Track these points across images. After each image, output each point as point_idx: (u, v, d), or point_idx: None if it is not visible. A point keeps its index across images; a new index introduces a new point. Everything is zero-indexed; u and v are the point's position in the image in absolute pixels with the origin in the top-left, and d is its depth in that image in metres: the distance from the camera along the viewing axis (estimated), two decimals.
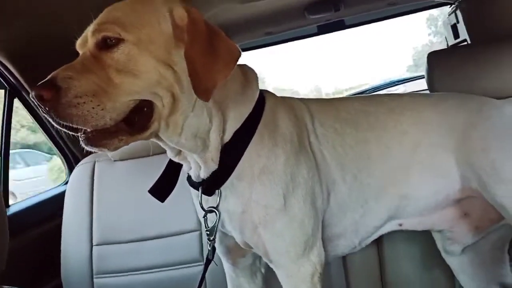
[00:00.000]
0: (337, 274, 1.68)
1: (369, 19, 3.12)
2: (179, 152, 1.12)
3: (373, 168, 1.21)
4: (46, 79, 0.89)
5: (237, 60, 1.00)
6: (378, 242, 1.61)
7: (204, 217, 1.15)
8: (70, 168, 2.17)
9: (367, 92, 3.79)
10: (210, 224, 1.15)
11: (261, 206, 1.08)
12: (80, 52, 1.00)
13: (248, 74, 1.15)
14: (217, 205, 1.12)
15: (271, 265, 1.18)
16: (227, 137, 1.08)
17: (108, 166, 1.83)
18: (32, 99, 0.88)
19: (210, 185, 1.11)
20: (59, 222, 1.81)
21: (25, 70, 1.83)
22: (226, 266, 1.37)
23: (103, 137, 0.93)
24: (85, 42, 0.98)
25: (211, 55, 0.95)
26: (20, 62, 1.81)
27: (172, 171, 1.21)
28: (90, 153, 1.96)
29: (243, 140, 1.09)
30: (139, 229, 1.72)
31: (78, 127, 0.91)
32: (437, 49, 1.64)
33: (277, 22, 2.73)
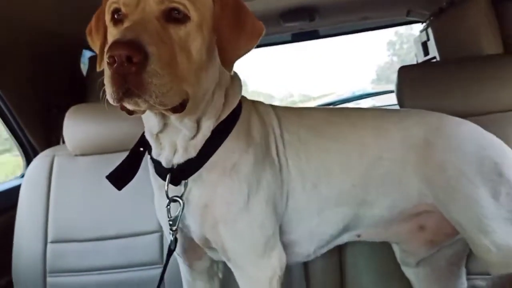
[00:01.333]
0: (297, 281, 1.68)
1: (342, 31, 3.18)
2: (159, 131, 1.08)
3: (332, 178, 1.23)
4: (128, 39, 0.80)
5: (260, 36, 1.02)
6: (340, 250, 1.62)
7: (167, 206, 1.12)
8: (28, 161, 2.08)
9: (336, 103, 3.83)
10: (173, 215, 1.12)
11: (225, 202, 1.09)
12: (124, 9, 0.92)
13: (235, 73, 1.17)
14: (182, 195, 1.10)
15: (229, 265, 1.16)
16: (212, 125, 1.09)
17: (68, 160, 1.76)
18: (111, 59, 0.80)
19: (179, 173, 1.10)
20: (13, 216, 1.73)
21: None
22: (183, 268, 1.35)
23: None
24: (139, 1, 0.91)
25: (237, 29, 0.98)
26: None
27: (134, 160, 1.18)
28: (48, 146, 1.89)
29: (222, 134, 1.10)
30: (97, 228, 1.66)
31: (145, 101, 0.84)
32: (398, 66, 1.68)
33: None
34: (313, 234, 1.25)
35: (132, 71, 0.80)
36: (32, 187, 1.74)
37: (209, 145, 1.09)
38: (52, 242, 1.68)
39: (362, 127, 1.27)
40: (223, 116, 1.11)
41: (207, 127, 1.08)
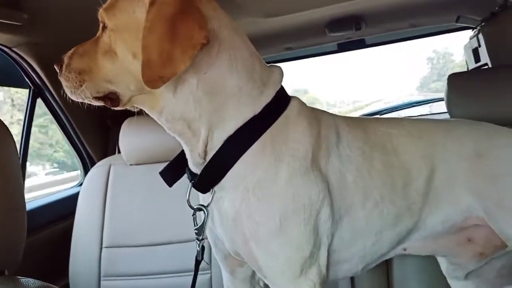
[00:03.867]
0: None
1: (390, 39, 3.13)
2: (176, 135, 1.07)
3: (396, 196, 1.16)
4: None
5: (197, 47, 0.90)
6: (388, 264, 1.59)
7: (193, 215, 1.12)
8: (86, 170, 2.20)
9: (384, 111, 3.78)
10: (199, 223, 1.11)
11: (253, 221, 1.01)
12: None
13: (269, 75, 1.08)
14: (208, 204, 1.07)
15: (266, 281, 1.11)
16: (225, 134, 1.01)
17: (123, 169, 1.85)
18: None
19: (200, 181, 1.05)
20: (71, 222, 1.83)
21: (49, 72, 1.88)
22: (225, 275, 1.33)
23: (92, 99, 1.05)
24: None
25: (170, 42, 0.90)
26: (45, 65, 1.86)
27: (183, 157, 1.14)
28: (106, 156, 2.00)
29: (239, 142, 1.01)
30: (149, 234, 1.73)
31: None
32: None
33: (297, 38, 2.75)
34: (366, 253, 1.19)
35: (59, 74, 1.05)
36: (89, 194, 1.84)
37: (222, 155, 1.02)
38: (106, 247, 1.77)
39: (418, 138, 1.22)
40: (237, 125, 1.01)
41: (202, 131, 1.02)
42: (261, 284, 1.35)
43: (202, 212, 1.10)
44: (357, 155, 1.13)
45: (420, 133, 1.24)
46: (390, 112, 3.82)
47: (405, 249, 1.26)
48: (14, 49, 1.78)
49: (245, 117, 1.01)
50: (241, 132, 1.01)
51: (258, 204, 1.00)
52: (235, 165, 1.01)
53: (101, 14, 1.00)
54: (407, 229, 1.20)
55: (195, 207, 1.11)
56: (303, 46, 2.95)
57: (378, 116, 3.52)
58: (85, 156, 2.21)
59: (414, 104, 4.09)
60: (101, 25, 1.02)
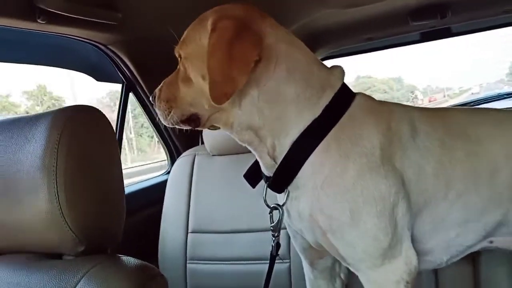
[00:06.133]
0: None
1: (479, 27, 2.93)
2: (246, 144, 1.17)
3: (480, 186, 1.13)
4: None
5: (251, 64, 1.01)
6: (474, 257, 1.52)
7: (270, 213, 1.20)
8: (172, 159, 2.34)
9: (472, 103, 3.57)
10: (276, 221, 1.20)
11: (325, 215, 1.07)
12: None
13: (328, 78, 1.12)
14: (283, 203, 1.15)
15: (351, 269, 1.15)
16: (290, 139, 1.08)
17: (207, 159, 1.94)
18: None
19: (273, 183, 1.14)
20: (160, 208, 1.96)
21: (141, 68, 2.02)
22: (305, 266, 1.37)
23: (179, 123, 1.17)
24: None
25: (228, 62, 1.00)
26: (137, 60, 2.00)
27: None
28: (191, 146, 2.11)
29: (304, 145, 1.08)
30: (231, 221, 1.80)
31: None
32: None
33: (379, 28, 2.68)
34: (450, 244, 1.18)
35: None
36: (176, 182, 1.95)
37: (291, 157, 1.08)
38: (192, 232, 1.86)
39: (505, 126, 1.18)
40: (301, 128, 1.08)
41: (268, 137, 1.10)
42: (342, 276, 1.37)
43: (277, 211, 1.18)
44: (436, 146, 1.12)
45: (507, 121, 1.19)
46: (478, 105, 3.60)
47: (491, 242, 1.22)
48: (109, 46, 1.93)
49: (307, 121, 1.08)
50: (304, 136, 1.08)
51: (327, 199, 1.06)
52: (303, 167, 1.08)
53: (177, 49, 1.15)
54: (495, 221, 1.16)
55: (271, 206, 1.19)
56: (384, 36, 2.87)
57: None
58: (172, 146, 2.35)
59: (505, 96, 3.82)
60: (179, 58, 1.15)
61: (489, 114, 1.23)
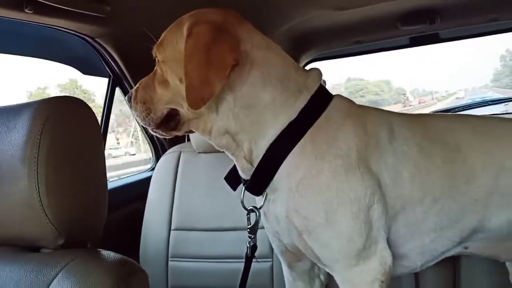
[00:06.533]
0: None
1: (467, 33, 2.97)
2: (222, 148, 1.18)
3: (456, 192, 1.14)
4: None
5: (228, 68, 1.02)
6: (454, 262, 1.54)
7: (247, 215, 1.22)
8: (157, 156, 2.32)
9: (457, 109, 3.61)
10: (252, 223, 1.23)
11: (301, 216, 1.08)
12: None
13: (305, 80, 1.14)
14: (260, 206, 1.17)
15: (326, 269, 1.17)
16: (266, 142, 1.10)
17: (192, 157, 1.93)
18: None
19: (250, 185, 1.15)
20: (143, 204, 1.94)
21: (128, 62, 2.00)
22: (284, 268, 1.38)
23: (156, 127, 1.18)
24: None
25: (205, 67, 1.02)
26: (125, 54, 1.98)
27: None
28: (176, 143, 2.10)
29: (280, 148, 1.09)
30: (215, 219, 1.80)
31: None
32: None
33: (368, 31, 2.70)
34: (424, 249, 1.19)
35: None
36: (160, 179, 1.94)
37: (267, 160, 1.10)
38: (175, 229, 1.85)
39: (484, 133, 1.19)
40: (276, 132, 1.09)
41: (245, 141, 1.11)
42: (321, 277, 1.38)
43: (255, 213, 1.20)
44: (414, 151, 1.13)
45: (486, 129, 1.20)
46: (462, 110, 3.65)
47: (466, 248, 1.23)
48: (97, 39, 1.90)
49: (283, 124, 1.09)
50: (280, 138, 1.09)
51: (302, 200, 1.07)
52: (279, 169, 1.09)
53: (154, 50, 1.16)
54: (470, 227, 1.17)
55: (248, 208, 1.21)
56: (374, 40, 2.89)
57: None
58: (157, 143, 2.33)
59: (490, 103, 3.88)
60: (156, 60, 1.16)
61: (468, 121, 1.25)
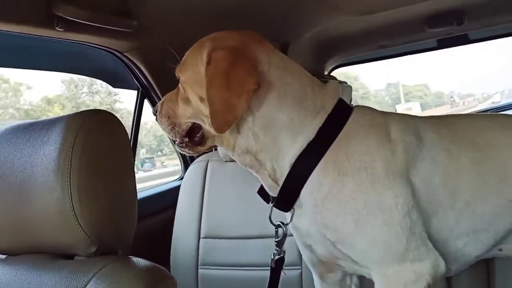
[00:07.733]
0: None
1: (497, 33, 2.89)
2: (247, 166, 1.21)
3: (489, 194, 1.12)
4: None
5: (250, 93, 1.06)
6: (488, 265, 1.49)
7: (276, 229, 1.26)
8: (186, 165, 2.35)
9: (493, 110, 3.51)
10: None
11: (331, 228, 1.10)
12: None
13: (323, 98, 1.15)
14: (288, 222, 1.20)
15: (365, 270, 1.15)
16: (288, 162, 1.12)
17: (219, 166, 1.95)
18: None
19: (278, 203, 1.18)
20: (173, 213, 1.97)
21: (156, 75, 2.05)
22: (315, 278, 1.37)
23: (182, 141, 1.26)
24: None
25: (227, 92, 1.05)
26: (152, 67, 2.03)
27: None
28: (204, 153, 2.12)
29: (302, 167, 1.11)
30: (242, 227, 1.81)
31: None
32: None
33: (393, 35, 2.67)
34: (458, 254, 1.17)
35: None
36: (189, 188, 1.97)
37: (291, 179, 1.12)
38: (204, 237, 1.87)
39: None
40: (297, 151, 1.11)
41: (268, 160, 1.14)
42: (353, 287, 1.36)
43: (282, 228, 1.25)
44: (442, 156, 1.12)
45: None
46: (503, 111, 3.54)
47: (500, 250, 1.21)
48: (125, 53, 1.96)
49: (302, 144, 1.11)
50: (301, 159, 1.11)
51: (329, 213, 1.08)
52: (304, 187, 1.11)
53: (177, 71, 1.22)
54: (505, 229, 1.14)
55: (276, 224, 1.25)
56: (399, 43, 2.85)
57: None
58: None
59: None
60: (178, 79, 1.22)
61: (497, 119, 1.22)
